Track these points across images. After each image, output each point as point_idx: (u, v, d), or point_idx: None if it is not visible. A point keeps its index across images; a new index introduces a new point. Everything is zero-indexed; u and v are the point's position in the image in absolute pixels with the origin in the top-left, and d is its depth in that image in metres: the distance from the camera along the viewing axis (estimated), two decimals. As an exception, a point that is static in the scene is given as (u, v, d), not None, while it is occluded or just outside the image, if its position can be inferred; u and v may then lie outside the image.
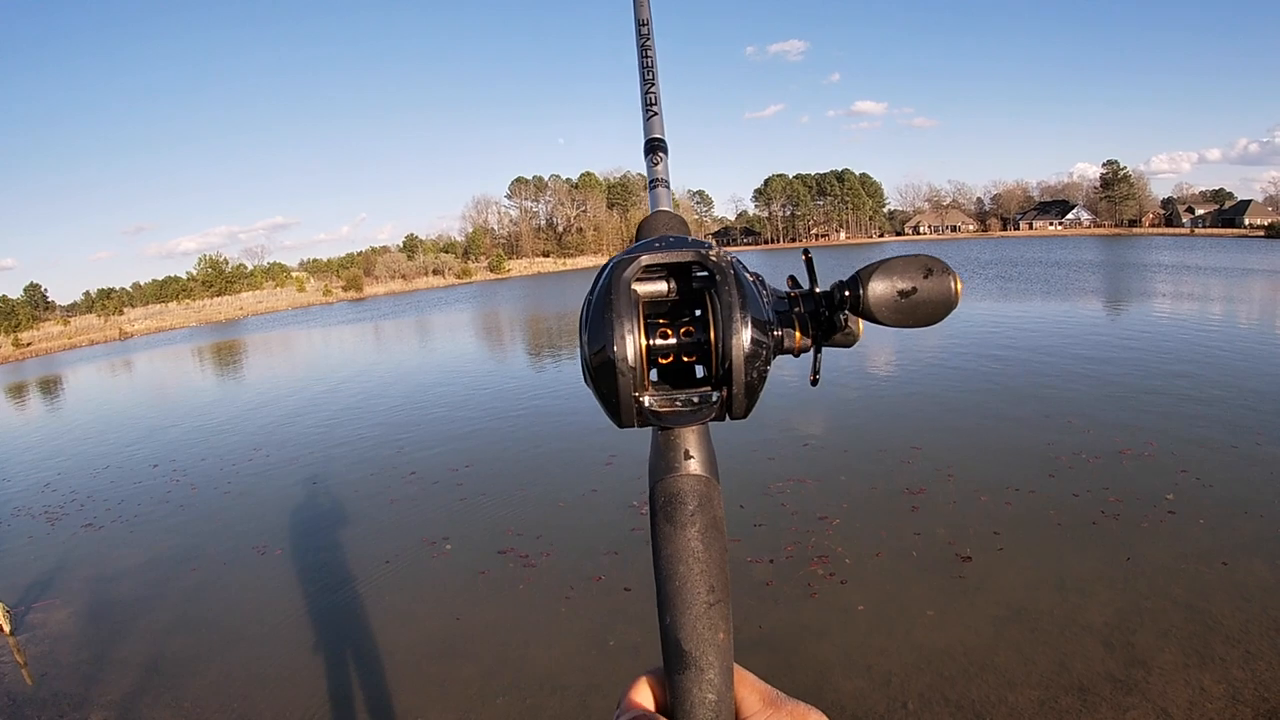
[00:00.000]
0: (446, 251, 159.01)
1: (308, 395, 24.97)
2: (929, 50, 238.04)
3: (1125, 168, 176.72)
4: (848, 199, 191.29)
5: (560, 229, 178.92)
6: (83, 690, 7.83)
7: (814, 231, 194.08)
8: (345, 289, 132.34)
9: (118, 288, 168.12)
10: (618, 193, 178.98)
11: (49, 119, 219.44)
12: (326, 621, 8.57)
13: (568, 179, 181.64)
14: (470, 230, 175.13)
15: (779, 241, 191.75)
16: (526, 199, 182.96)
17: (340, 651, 7.90)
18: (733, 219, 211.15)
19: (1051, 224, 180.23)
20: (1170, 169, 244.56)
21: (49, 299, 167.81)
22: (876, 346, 22.03)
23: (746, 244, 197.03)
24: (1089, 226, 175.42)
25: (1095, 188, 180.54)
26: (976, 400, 15.24)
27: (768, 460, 12.11)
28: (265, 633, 8.51)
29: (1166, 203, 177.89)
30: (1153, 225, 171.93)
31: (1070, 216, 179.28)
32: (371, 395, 23.19)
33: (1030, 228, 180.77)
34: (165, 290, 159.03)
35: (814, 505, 10.03)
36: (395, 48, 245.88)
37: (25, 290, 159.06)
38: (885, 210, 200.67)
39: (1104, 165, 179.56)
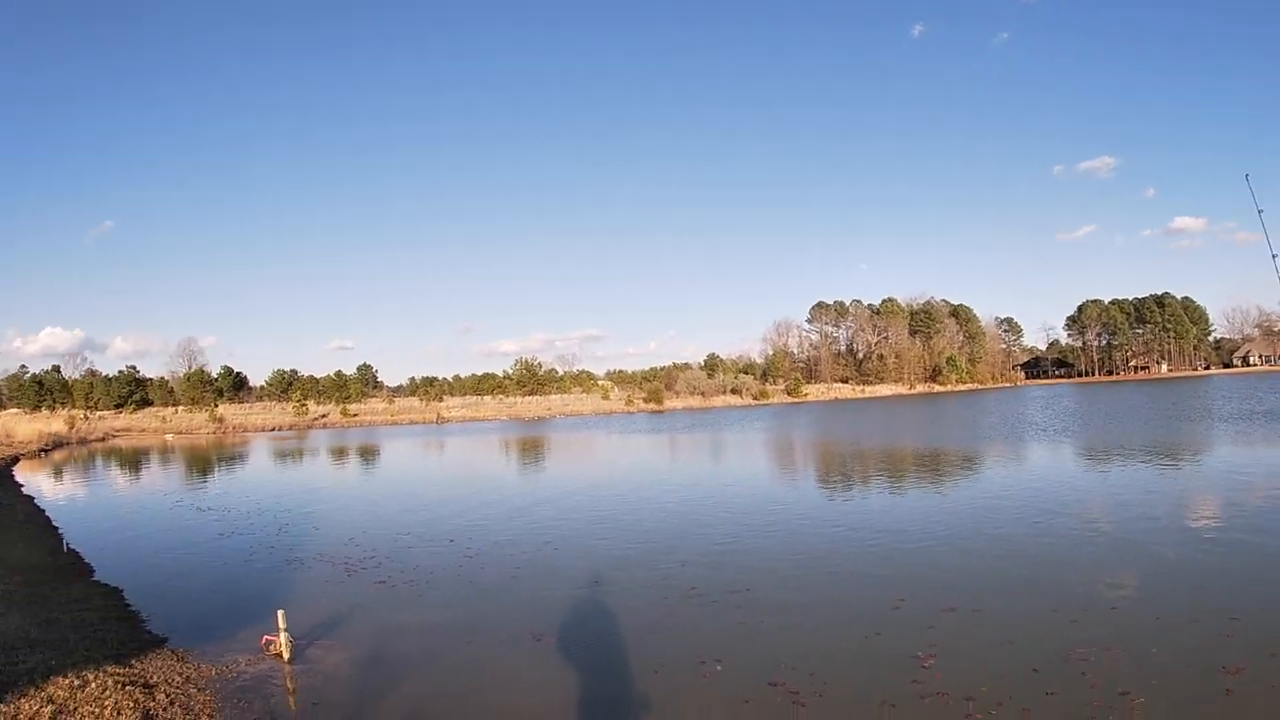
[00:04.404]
0: (746, 372, 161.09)
1: (600, 498, 25.60)
2: (1247, 156, 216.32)
3: None
4: (1169, 326, 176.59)
5: (860, 355, 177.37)
6: (340, 729, 7.99)
7: (1133, 364, 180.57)
8: (646, 400, 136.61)
9: (440, 377, 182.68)
10: (920, 320, 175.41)
11: (398, 216, 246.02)
12: (588, 718, 8.38)
13: (869, 304, 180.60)
14: (770, 352, 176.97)
15: (1094, 374, 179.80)
16: (827, 323, 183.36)
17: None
18: (1044, 348, 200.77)
19: None
20: None
21: (378, 379, 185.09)
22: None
23: (1059, 376, 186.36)
24: None
25: None
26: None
27: (1070, 623, 10.86)
28: (527, 718, 8.43)
29: None
30: None
31: None
32: (660, 506, 23.34)
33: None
34: (482, 384, 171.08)
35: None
36: (708, 172, 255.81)
37: (358, 369, 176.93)
38: (1211, 338, 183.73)
39: None
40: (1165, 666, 8.92)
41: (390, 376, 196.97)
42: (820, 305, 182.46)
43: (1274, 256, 5.31)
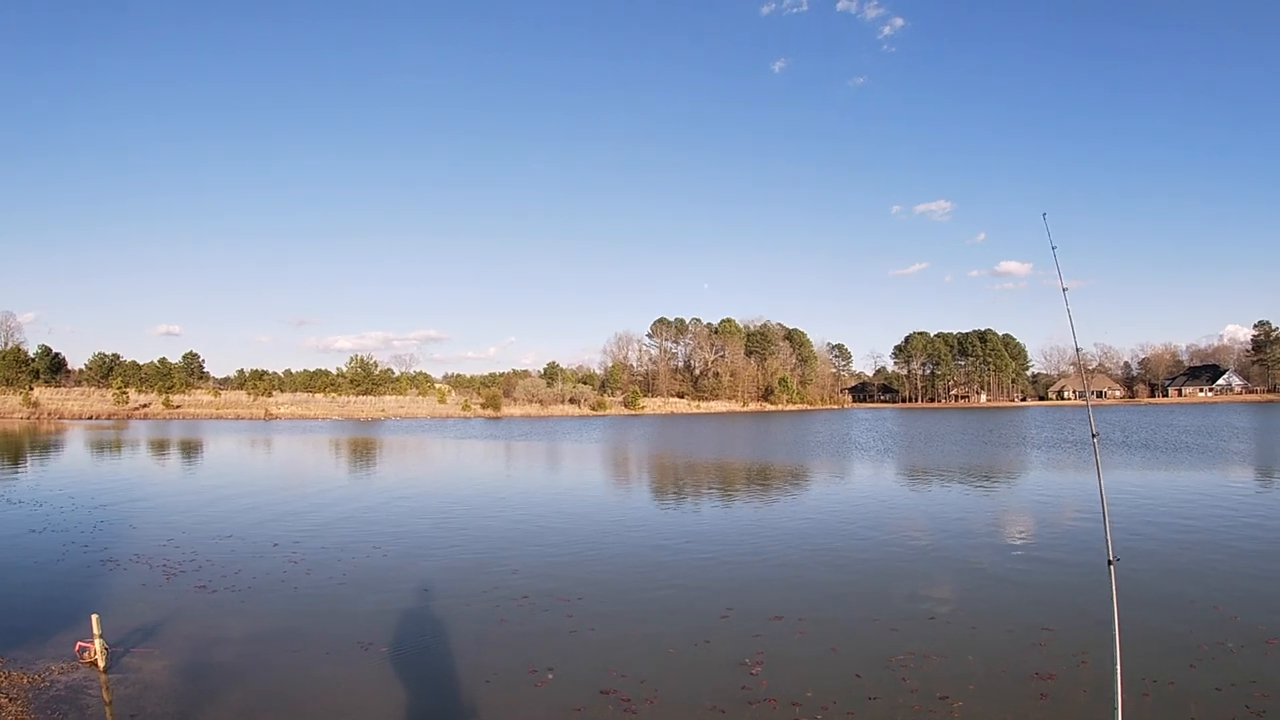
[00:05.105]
0: (585, 383, 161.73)
1: (434, 503, 25.31)
2: (1076, 211, 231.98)
3: (1277, 329, 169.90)
4: (990, 360, 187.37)
5: (697, 372, 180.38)
6: (161, 743, 7.78)
7: (954, 393, 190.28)
8: (484, 406, 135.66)
9: (270, 371, 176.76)
10: (756, 341, 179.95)
11: (239, 203, 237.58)
12: (417, 728, 8.33)
13: (709, 323, 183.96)
14: (610, 364, 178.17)
15: (918, 401, 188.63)
16: (667, 339, 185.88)
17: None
18: (871, 374, 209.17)
19: (1202, 390, 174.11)
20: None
21: (204, 369, 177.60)
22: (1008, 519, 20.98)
23: (884, 401, 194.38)
24: (1240, 392, 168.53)
25: (1247, 351, 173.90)
26: (1125, 577, 14.08)
27: (890, 631, 11.48)
28: (354, 728, 8.34)
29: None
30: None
31: (1221, 382, 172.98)
32: (494, 513, 23.20)
33: (1179, 394, 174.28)
34: (314, 381, 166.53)
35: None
36: (557, 178, 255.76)
37: (184, 357, 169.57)
38: (1029, 373, 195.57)
39: (1255, 327, 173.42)
40: (982, 673, 9.48)
41: (217, 367, 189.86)
42: (661, 321, 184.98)
43: (1064, 290, 5.95)
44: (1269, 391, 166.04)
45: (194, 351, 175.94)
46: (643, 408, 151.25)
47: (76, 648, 10.12)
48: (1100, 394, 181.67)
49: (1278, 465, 35.48)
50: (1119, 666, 4.74)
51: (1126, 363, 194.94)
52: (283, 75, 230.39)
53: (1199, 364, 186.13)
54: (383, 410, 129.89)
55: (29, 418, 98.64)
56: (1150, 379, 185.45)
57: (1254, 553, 16.25)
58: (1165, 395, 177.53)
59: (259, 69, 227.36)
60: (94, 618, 9.92)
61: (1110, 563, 5.00)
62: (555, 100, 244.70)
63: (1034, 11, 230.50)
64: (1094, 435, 5.83)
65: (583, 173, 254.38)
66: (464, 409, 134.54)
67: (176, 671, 9.75)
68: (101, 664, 9.70)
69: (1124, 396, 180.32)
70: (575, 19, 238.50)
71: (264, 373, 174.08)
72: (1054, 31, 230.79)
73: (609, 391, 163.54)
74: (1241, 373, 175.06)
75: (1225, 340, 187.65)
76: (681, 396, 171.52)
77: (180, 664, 10.01)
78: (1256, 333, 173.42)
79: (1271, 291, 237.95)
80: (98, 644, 9.78)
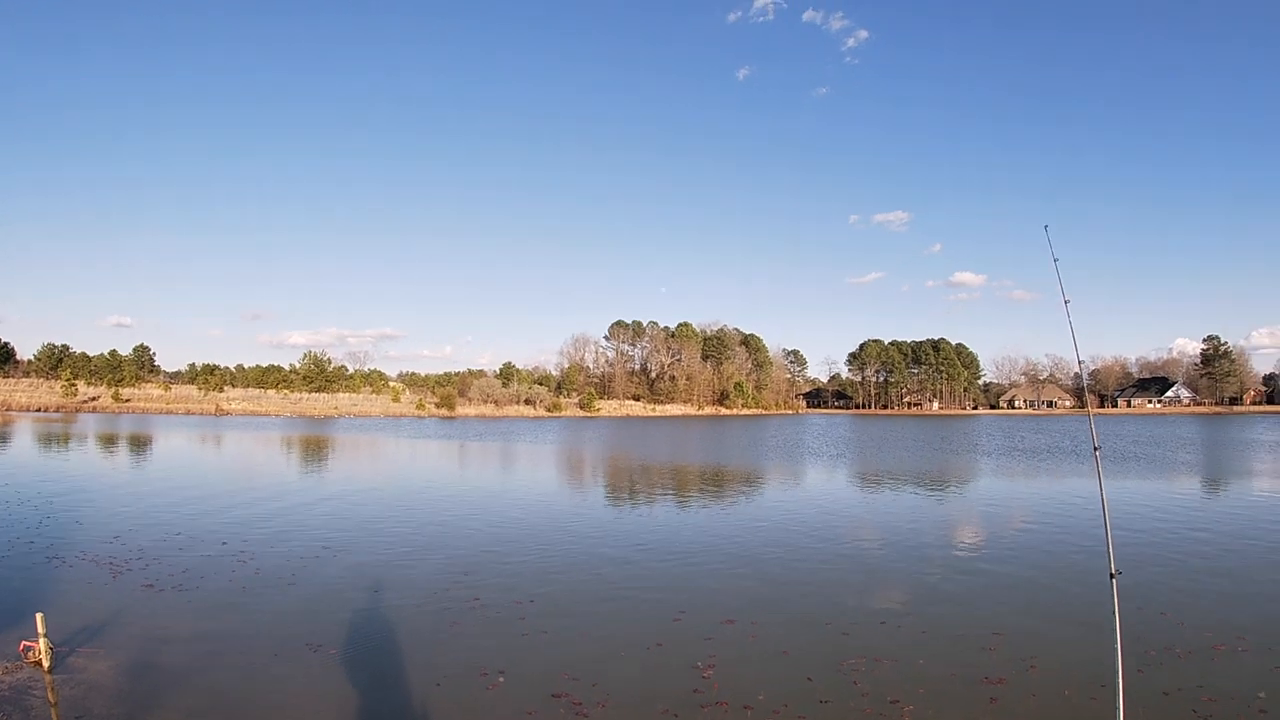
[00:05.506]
0: (540, 384, 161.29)
1: (384, 503, 25.15)
2: (1030, 224, 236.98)
3: (1226, 343, 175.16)
4: (943, 369, 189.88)
5: (653, 375, 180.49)
6: (106, 745, 7.66)
7: (907, 400, 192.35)
8: (438, 405, 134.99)
9: (222, 366, 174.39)
10: (713, 345, 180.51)
11: (193, 192, 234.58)
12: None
13: (665, 327, 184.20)
14: (566, 366, 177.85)
15: (871, 407, 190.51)
16: (624, 342, 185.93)
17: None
18: (825, 380, 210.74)
19: (1150, 401, 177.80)
20: (1272, 344, 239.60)
21: (155, 363, 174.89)
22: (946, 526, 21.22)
23: (838, 407, 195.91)
24: (1188, 404, 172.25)
25: (1195, 364, 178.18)
26: (1062, 586, 14.31)
27: (841, 635, 11.58)
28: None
29: (1268, 379, 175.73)
30: (1254, 403, 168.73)
31: (1170, 394, 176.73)
32: (446, 514, 23.06)
33: (1129, 405, 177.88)
34: (267, 377, 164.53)
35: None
36: (518, 179, 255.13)
37: (135, 350, 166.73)
38: (980, 382, 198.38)
39: (1204, 341, 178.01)
40: (933, 677, 9.59)
41: (168, 361, 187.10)
42: (619, 324, 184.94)
43: (1066, 301, 5.89)
44: (1217, 404, 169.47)
45: (145, 344, 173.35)
46: (598, 410, 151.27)
47: (21, 647, 9.94)
48: (1050, 404, 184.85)
49: (1222, 476, 36.29)
50: (1120, 679, 4.80)
51: (1077, 373, 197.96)
52: (239, 69, 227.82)
53: (1148, 376, 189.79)
54: (336, 408, 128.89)
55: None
56: (1100, 390, 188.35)
57: (1199, 564, 16.53)
58: (1115, 406, 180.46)
59: (215, 60, 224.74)
60: (38, 616, 9.74)
61: (1112, 575, 5.01)
62: (516, 102, 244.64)
63: (995, 28, 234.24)
64: (1095, 449, 5.76)
65: (543, 174, 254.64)
66: (418, 408, 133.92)
67: (123, 671, 9.61)
68: (46, 664, 9.53)
69: (1074, 406, 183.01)
70: (537, 22, 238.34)
71: (215, 367, 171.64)
72: (1014, 47, 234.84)
73: (565, 393, 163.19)
74: (1190, 385, 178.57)
75: (1174, 353, 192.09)
76: (637, 399, 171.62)
77: (127, 664, 9.87)
78: (1205, 347, 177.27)
79: (1221, 306, 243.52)
80: (42, 643, 9.61)
